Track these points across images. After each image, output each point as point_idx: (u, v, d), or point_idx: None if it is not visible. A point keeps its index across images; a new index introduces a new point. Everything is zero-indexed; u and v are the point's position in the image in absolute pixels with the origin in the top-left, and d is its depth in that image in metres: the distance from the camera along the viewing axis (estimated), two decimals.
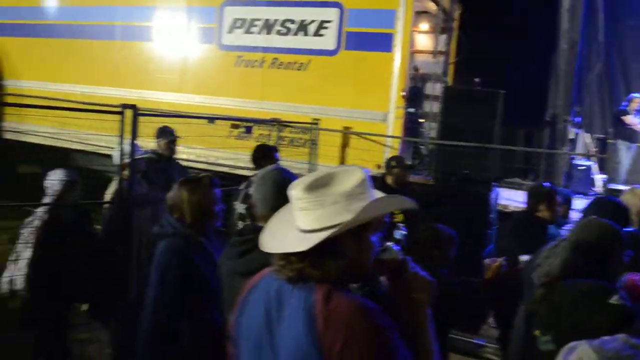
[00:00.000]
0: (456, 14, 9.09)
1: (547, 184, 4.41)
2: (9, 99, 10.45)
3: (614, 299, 2.01)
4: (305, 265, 1.40)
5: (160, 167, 5.38)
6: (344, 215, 1.40)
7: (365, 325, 1.32)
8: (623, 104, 7.83)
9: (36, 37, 10.34)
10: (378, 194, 1.53)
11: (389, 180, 5.30)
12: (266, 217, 2.45)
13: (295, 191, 1.47)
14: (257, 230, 2.43)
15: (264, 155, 4.73)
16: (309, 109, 7.70)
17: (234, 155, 7.55)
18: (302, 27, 7.88)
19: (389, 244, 1.56)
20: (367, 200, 1.45)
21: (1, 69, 10.76)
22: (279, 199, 2.45)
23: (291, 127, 7.52)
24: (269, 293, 1.50)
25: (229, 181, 5.50)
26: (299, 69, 7.88)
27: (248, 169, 5.21)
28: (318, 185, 1.44)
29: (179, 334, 2.71)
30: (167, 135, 5.46)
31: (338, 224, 1.40)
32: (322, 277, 1.40)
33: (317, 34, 7.80)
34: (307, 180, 1.47)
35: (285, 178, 2.60)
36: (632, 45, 9.69)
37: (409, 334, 1.46)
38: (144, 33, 9.14)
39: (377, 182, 5.32)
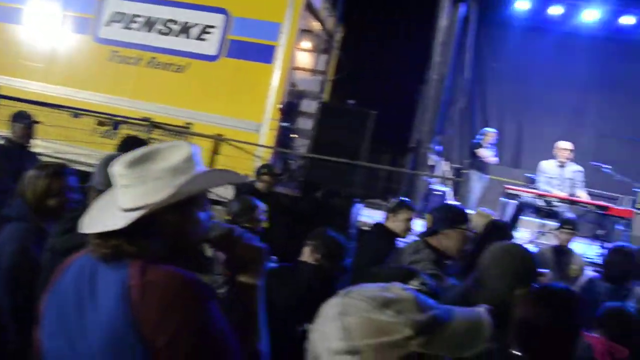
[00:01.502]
0: (339, 35, 9.45)
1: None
2: None
3: (414, 283, 1.91)
4: (121, 242, 1.33)
5: (12, 155, 5.02)
6: (166, 192, 1.35)
7: (183, 294, 1.28)
8: (477, 137, 8.43)
9: None
10: (204, 169, 1.46)
11: (260, 186, 5.48)
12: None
13: (116, 167, 1.39)
14: (84, 208, 2.43)
15: (132, 147, 4.25)
16: (182, 112, 7.61)
17: (97, 154, 7.22)
18: (185, 30, 7.80)
19: (216, 221, 1.51)
20: (191, 175, 1.40)
21: None
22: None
23: (162, 128, 7.36)
24: (83, 272, 1.39)
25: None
26: (176, 71, 7.76)
27: None
28: (141, 161, 1.37)
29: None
30: (23, 119, 5.11)
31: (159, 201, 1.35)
32: (139, 253, 1.33)
33: (199, 37, 7.75)
34: (129, 156, 1.39)
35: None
36: (492, 85, 10.68)
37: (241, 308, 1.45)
38: (13, 15, 8.53)
39: (248, 188, 5.41)
